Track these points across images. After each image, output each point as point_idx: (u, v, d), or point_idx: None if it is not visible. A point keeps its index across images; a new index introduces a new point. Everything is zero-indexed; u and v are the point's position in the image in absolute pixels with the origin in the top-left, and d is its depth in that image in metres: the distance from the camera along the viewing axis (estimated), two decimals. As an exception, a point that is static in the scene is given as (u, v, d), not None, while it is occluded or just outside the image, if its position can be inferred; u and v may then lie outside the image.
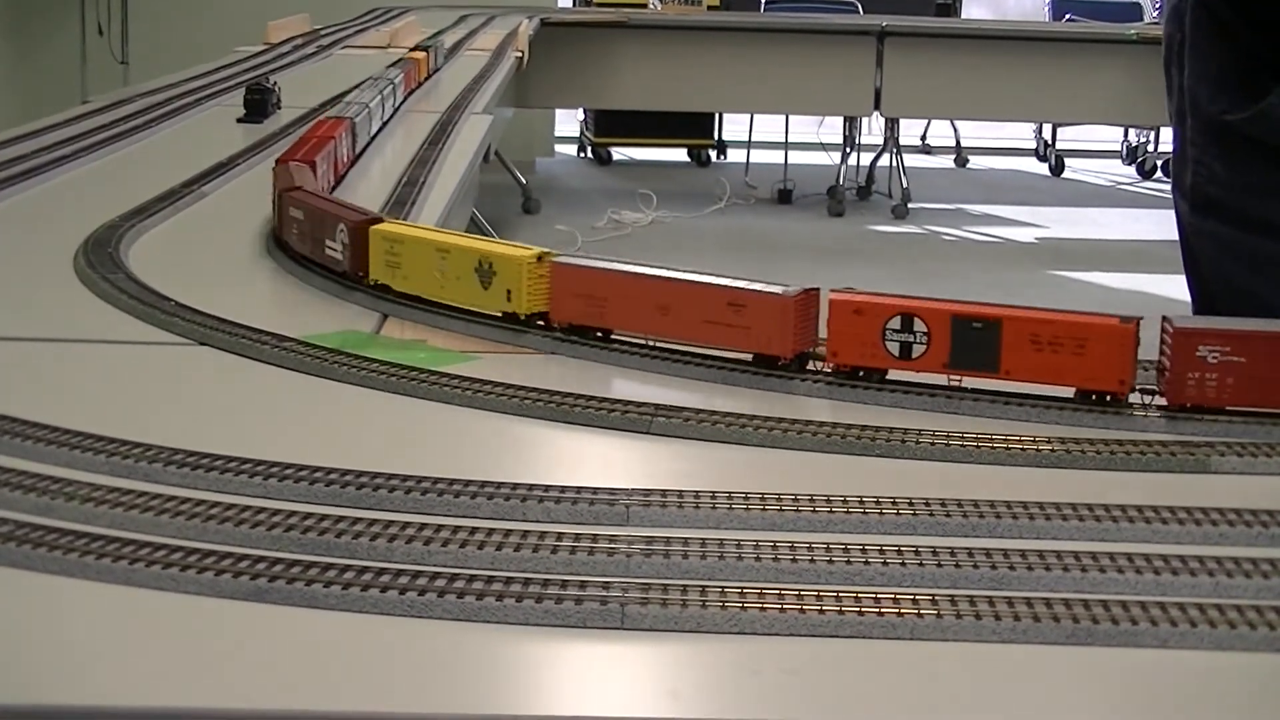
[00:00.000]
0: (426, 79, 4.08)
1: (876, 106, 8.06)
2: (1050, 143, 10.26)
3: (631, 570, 0.97)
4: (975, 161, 10.45)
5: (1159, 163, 9.74)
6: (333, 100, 3.28)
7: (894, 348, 1.33)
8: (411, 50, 4.15)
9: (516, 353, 1.49)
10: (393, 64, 3.71)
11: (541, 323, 1.49)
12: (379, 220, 1.64)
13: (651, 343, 1.44)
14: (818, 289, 1.38)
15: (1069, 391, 1.31)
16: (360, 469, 1.10)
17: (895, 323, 1.33)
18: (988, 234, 8.05)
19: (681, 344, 1.43)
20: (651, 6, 8.97)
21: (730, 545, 0.99)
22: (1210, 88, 1.83)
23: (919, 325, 1.33)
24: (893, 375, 1.35)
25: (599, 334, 1.47)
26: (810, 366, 1.39)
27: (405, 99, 3.51)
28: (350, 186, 2.40)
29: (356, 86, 3.23)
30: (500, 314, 1.51)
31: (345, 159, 2.44)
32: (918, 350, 1.33)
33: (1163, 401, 1.29)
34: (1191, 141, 1.87)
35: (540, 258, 1.48)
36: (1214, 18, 1.82)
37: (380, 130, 2.97)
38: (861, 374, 1.36)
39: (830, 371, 1.37)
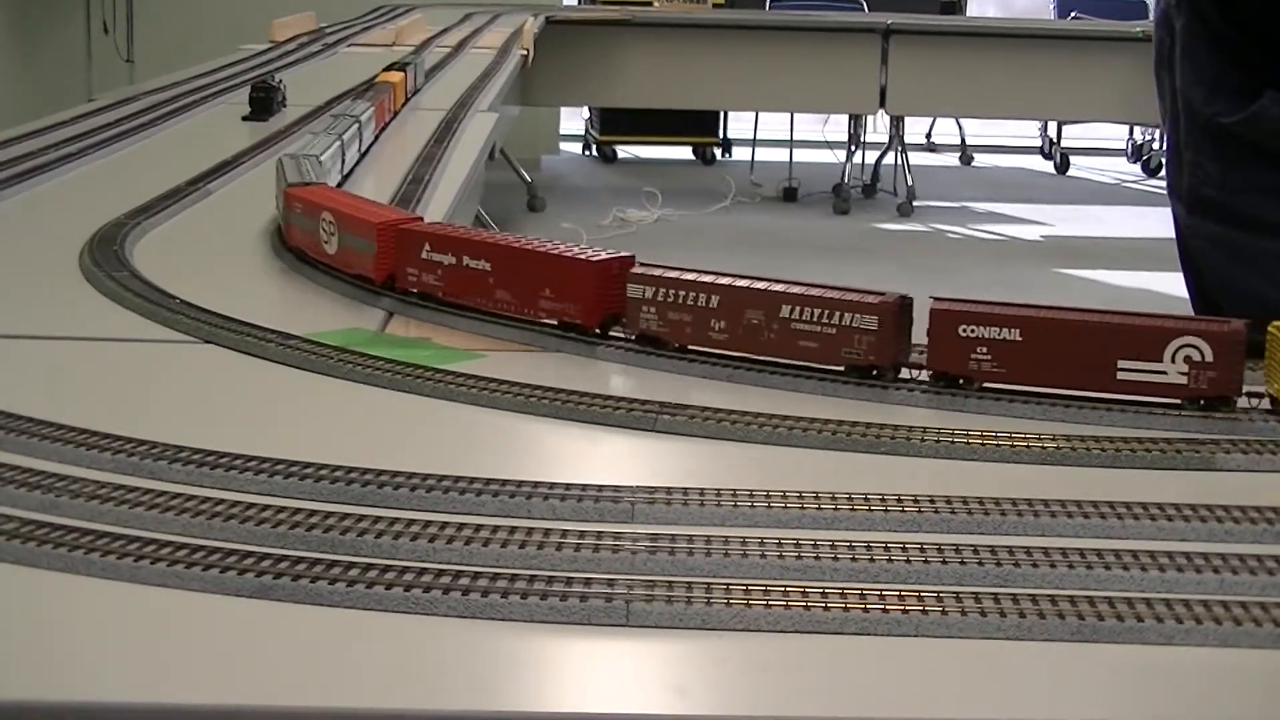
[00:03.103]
0: (404, 104, 3.43)
1: (882, 104, 8.05)
2: (1055, 140, 10.26)
3: (636, 567, 0.97)
4: (980, 159, 10.44)
5: (1164, 160, 9.72)
6: (338, 98, 3.28)
7: None
8: (385, 70, 3.47)
9: (521, 350, 1.49)
10: (361, 91, 3.13)
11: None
12: None
13: (655, 340, 1.44)
14: None
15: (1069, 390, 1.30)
16: (365, 466, 1.10)
17: None
18: (993, 232, 8.05)
19: (688, 342, 1.42)
20: (656, 4, 8.96)
21: (735, 542, 0.99)
22: (1204, 91, 1.84)
23: None
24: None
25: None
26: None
27: (379, 134, 2.88)
28: (357, 184, 2.39)
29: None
30: None
31: None
32: None
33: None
34: (1186, 144, 1.89)
35: None
36: (1205, 23, 1.83)
37: (343, 183, 2.32)
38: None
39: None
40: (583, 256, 1.46)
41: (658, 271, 1.43)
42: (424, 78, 3.94)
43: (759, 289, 1.38)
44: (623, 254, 1.47)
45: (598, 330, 1.47)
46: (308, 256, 1.76)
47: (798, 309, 1.36)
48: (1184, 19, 1.86)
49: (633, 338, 1.45)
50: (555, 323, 1.48)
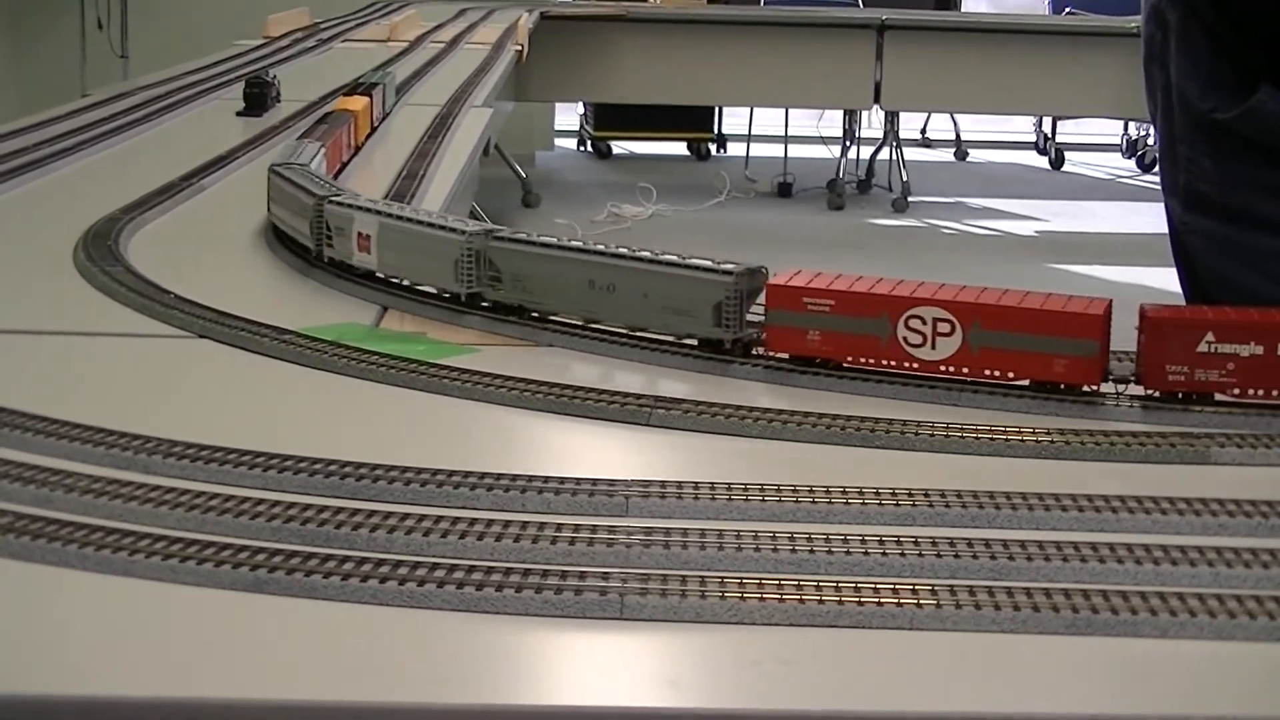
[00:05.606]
0: (371, 134, 2.79)
1: (876, 100, 8.05)
2: (1050, 136, 10.24)
3: (630, 561, 0.97)
4: (975, 155, 10.44)
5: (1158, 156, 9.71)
6: (332, 94, 3.28)
7: None
8: (349, 93, 2.81)
9: (515, 345, 1.49)
10: (310, 128, 2.39)
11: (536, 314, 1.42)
12: None
13: (647, 334, 1.44)
14: None
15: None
16: (360, 461, 1.10)
17: None
18: (988, 227, 8.05)
19: (679, 336, 1.42)
20: (651, 0, 8.96)
21: (729, 536, 0.99)
22: (1198, 86, 1.84)
23: None
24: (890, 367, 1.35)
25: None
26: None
27: (334, 176, 2.22)
28: (347, 180, 2.39)
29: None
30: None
31: None
32: None
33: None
34: (1180, 139, 1.88)
35: None
36: (1199, 17, 1.83)
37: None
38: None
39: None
40: None
41: None
42: (395, 96, 3.29)
43: None
44: None
45: None
46: (831, 364, 1.36)
47: None
48: (1178, 12, 1.86)
49: None
50: None
